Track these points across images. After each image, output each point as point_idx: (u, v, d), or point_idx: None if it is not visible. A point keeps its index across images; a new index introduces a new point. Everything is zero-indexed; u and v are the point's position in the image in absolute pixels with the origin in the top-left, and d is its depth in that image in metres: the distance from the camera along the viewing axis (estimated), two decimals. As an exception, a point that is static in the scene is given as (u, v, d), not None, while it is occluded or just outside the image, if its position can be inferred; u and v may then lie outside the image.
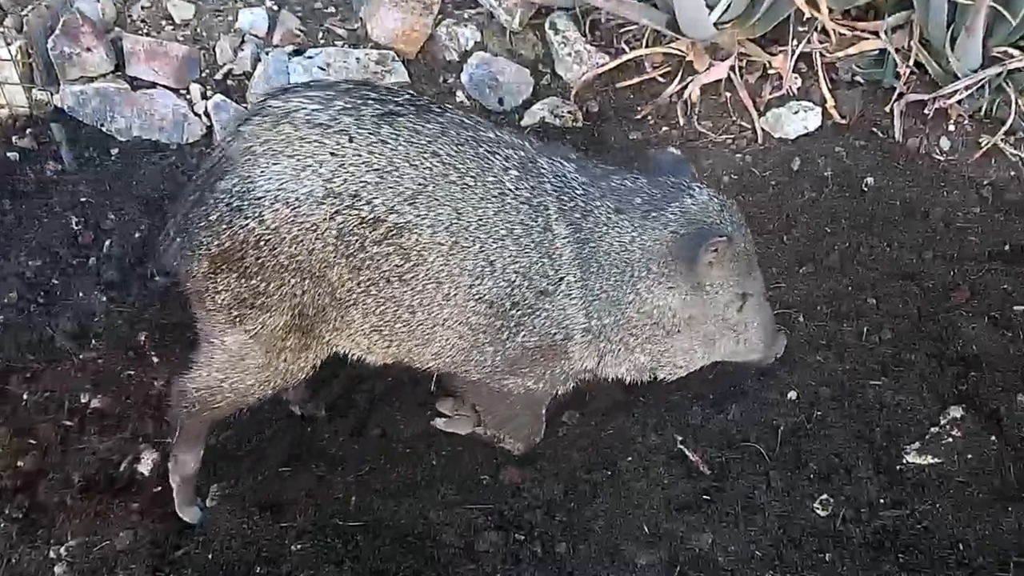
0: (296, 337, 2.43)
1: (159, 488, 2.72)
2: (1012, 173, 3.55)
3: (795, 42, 3.62)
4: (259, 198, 2.26)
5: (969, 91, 3.54)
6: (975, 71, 3.50)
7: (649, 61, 3.75)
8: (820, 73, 3.62)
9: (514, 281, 2.43)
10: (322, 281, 2.35)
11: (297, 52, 3.75)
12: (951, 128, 3.61)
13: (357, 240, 2.31)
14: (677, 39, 3.65)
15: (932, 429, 2.72)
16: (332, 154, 2.28)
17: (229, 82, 3.75)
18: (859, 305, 3.11)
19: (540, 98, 3.77)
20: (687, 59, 3.67)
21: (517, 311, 2.46)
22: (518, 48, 3.86)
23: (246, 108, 2.48)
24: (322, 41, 3.85)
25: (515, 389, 2.62)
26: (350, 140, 2.29)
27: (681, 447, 2.77)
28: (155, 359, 3.04)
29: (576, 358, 2.57)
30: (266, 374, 2.49)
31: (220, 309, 2.39)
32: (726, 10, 3.53)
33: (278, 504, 2.68)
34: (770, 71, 3.67)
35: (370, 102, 2.34)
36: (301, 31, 3.87)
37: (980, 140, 3.57)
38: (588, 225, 2.46)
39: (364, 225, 2.30)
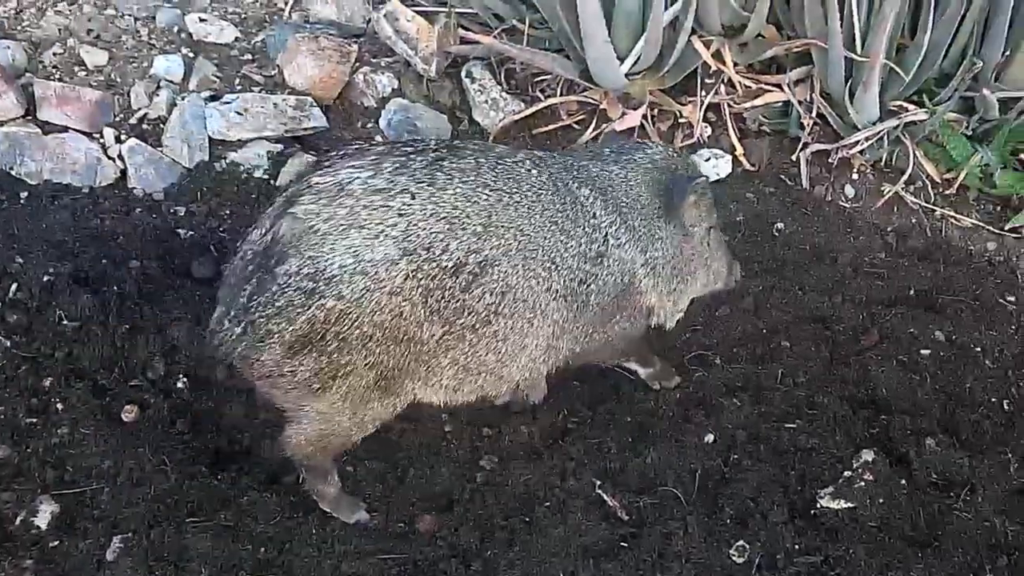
0: (379, 392, 2.39)
1: (56, 543, 2.49)
2: (914, 220, 3.56)
3: (703, 93, 3.62)
4: (333, 276, 2.19)
5: (869, 142, 3.56)
6: (874, 123, 3.52)
7: (564, 109, 3.69)
8: (729, 122, 3.62)
9: (574, 265, 2.47)
10: (410, 342, 2.31)
11: (214, 97, 3.62)
12: (855, 176, 3.61)
13: (444, 292, 2.28)
14: (590, 88, 3.61)
15: (845, 473, 2.64)
16: (400, 215, 2.24)
17: (144, 126, 3.58)
18: (774, 348, 3.06)
19: (458, 144, 3.69)
20: (601, 107, 3.62)
21: (584, 286, 2.51)
22: (435, 95, 3.78)
23: (284, 193, 2.39)
24: (239, 87, 3.72)
25: (611, 336, 2.67)
26: (412, 197, 2.26)
27: (599, 492, 2.65)
28: (59, 406, 2.80)
29: (646, 292, 2.65)
30: (361, 420, 2.45)
31: (300, 386, 2.32)
32: (636, 61, 3.51)
33: (183, 557, 2.47)
34: (681, 120, 3.64)
35: (412, 156, 2.33)
36: (218, 77, 3.73)
37: (882, 188, 3.59)
38: (600, 179, 2.57)
39: (446, 275, 2.27)
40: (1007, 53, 3.43)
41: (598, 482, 2.69)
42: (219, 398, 2.88)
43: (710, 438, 2.78)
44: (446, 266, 2.27)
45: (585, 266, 2.50)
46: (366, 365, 2.30)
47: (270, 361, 2.28)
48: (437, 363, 2.40)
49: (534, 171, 2.48)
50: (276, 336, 2.24)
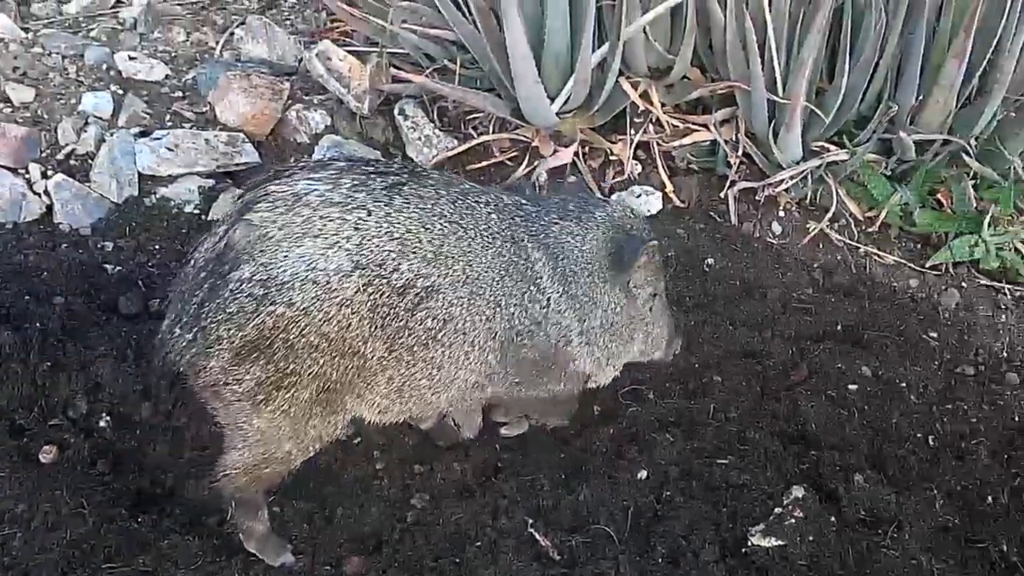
0: (321, 407, 2.32)
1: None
2: (839, 257, 3.54)
3: (633, 131, 3.60)
4: (285, 282, 2.14)
5: (794, 180, 3.55)
6: (797, 162, 3.52)
7: (497, 146, 3.64)
8: (658, 160, 3.59)
9: (515, 314, 2.43)
10: (354, 355, 2.26)
11: (144, 133, 3.52)
12: (781, 214, 3.59)
13: (390, 310, 2.24)
14: (522, 126, 3.57)
15: (776, 510, 2.56)
16: (355, 229, 2.20)
17: (72, 162, 3.46)
18: (706, 383, 3.00)
19: (393, 180, 3.61)
20: (533, 144, 3.57)
21: (520, 338, 2.46)
22: (368, 132, 3.70)
23: (246, 192, 2.31)
24: (169, 123, 3.61)
25: (544, 394, 2.63)
26: (369, 214, 2.22)
27: (531, 531, 2.53)
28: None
29: (581, 359, 2.58)
30: (300, 441, 2.36)
31: (243, 397, 2.25)
32: (566, 101, 3.48)
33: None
34: (612, 157, 3.60)
35: (373, 176, 2.29)
36: (148, 113, 3.62)
37: (808, 226, 3.56)
38: (552, 241, 2.50)
39: (394, 293, 2.24)
40: (920, 98, 3.45)
41: (530, 521, 2.57)
42: (143, 436, 2.74)
43: (643, 474, 2.69)
44: (395, 285, 2.23)
45: (525, 320, 2.46)
46: (310, 375, 2.24)
47: (217, 368, 2.21)
48: (375, 380, 2.34)
49: (494, 216, 2.43)
50: (225, 342, 2.17)
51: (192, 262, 2.30)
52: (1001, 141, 3.50)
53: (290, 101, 3.69)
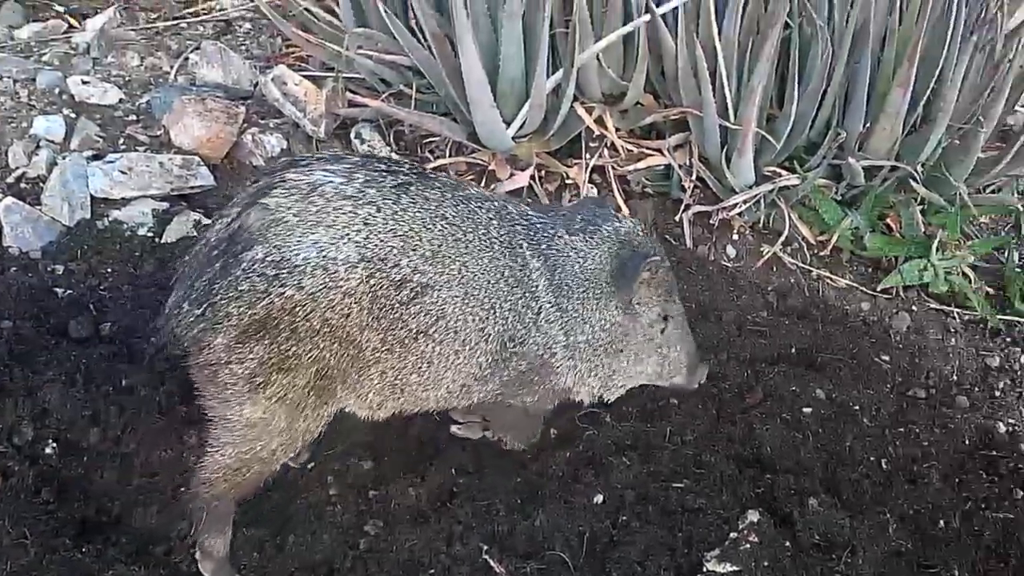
0: (315, 395, 2.34)
1: None
2: (792, 280, 3.54)
3: (588, 156, 3.57)
4: (296, 266, 2.19)
5: (747, 205, 3.54)
6: (750, 187, 3.52)
7: (453, 169, 3.59)
8: (614, 184, 3.57)
9: (509, 319, 2.46)
10: (351, 344, 2.30)
11: (97, 156, 3.43)
12: (735, 237, 3.58)
13: (388, 302, 2.29)
14: (479, 150, 3.53)
15: (731, 535, 2.52)
16: (365, 223, 2.25)
17: (23, 185, 3.36)
18: (662, 406, 2.96)
19: (349, 201, 3.57)
20: (489, 168, 3.54)
21: (512, 344, 2.49)
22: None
23: (263, 175, 2.37)
24: (123, 147, 3.52)
25: (519, 405, 2.64)
26: (378, 211, 2.28)
27: (486, 558, 2.48)
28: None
29: (562, 374, 2.58)
30: (289, 436, 2.38)
31: (241, 378, 2.26)
32: (522, 125, 3.45)
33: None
34: (568, 181, 3.57)
35: (385, 173, 2.36)
36: (101, 137, 3.53)
37: (761, 249, 3.55)
38: (553, 252, 2.52)
39: (392, 287, 2.28)
40: (868, 125, 3.47)
41: (485, 547, 2.51)
42: (91, 463, 2.65)
43: (599, 499, 2.64)
44: (394, 279, 2.29)
45: (518, 326, 2.48)
46: (310, 359, 2.27)
47: (222, 345, 2.23)
48: (368, 372, 2.38)
49: (495, 222, 2.46)
50: (234, 319, 2.20)
51: (203, 241, 2.34)
52: (947, 168, 3.52)
53: (246, 125, 3.62)
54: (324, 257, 2.21)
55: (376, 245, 2.26)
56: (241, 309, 2.19)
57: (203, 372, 2.30)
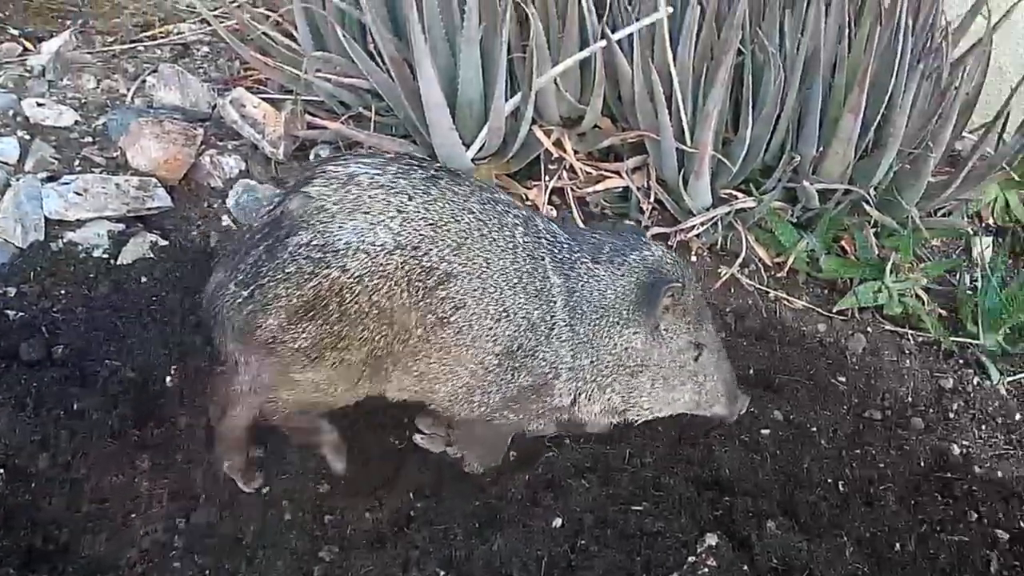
0: (369, 370, 2.45)
1: None
2: (750, 301, 3.53)
3: (547, 178, 3.56)
4: (339, 250, 2.29)
5: (704, 226, 3.54)
6: (707, 209, 3.53)
7: (413, 192, 3.59)
8: (573, 206, 3.55)
9: (521, 326, 2.48)
10: (394, 324, 2.38)
11: (52, 178, 3.35)
12: (693, 258, 3.57)
13: (419, 287, 2.37)
14: (438, 172, 3.53)
15: (690, 558, 2.49)
16: (398, 211, 2.35)
17: (-25, 206, 3.28)
18: (622, 429, 2.90)
19: (311, 222, 3.53)
20: (449, 190, 3.53)
21: (521, 353, 2.50)
22: (284, 176, 3.59)
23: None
24: (79, 168, 3.45)
25: (502, 421, 2.63)
26: (409, 199, 2.37)
27: (443, 583, 2.43)
28: None
29: (557, 395, 2.59)
30: (354, 391, 2.51)
31: (297, 353, 2.38)
32: (481, 148, 3.44)
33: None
34: (527, 202, 3.55)
35: (415, 167, 2.45)
36: (56, 159, 3.46)
37: (719, 270, 3.54)
38: (574, 275, 2.54)
39: (424, 273, 2.36)
40: (821, 149, 3.50)
41: (442, 572, 2.48)
42: (39, 489, 2.57)
43: (558, 522, 2.61)
44: (425, 265, 2.37)
45: (530, 335, 2.50)
46: (360, 340, 2.38)
47: (275, 324, 2.34)
48: (415, 356, 2.46)
49: (520, 228, 2.51)
50: (283, 300, 2.32)
51: (247, 228, 2.48)
52: (899, 191, 3.56)
53: (204, 146, 3.57)
54: (363, 241, 2.31)
55: (409, 233, 2.35)
56: (290, 290, 2.31)
57: (259, 350, 2.40)
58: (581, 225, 2.84)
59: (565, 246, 2.57)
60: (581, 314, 2.53)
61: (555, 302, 2.51)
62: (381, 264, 2.33)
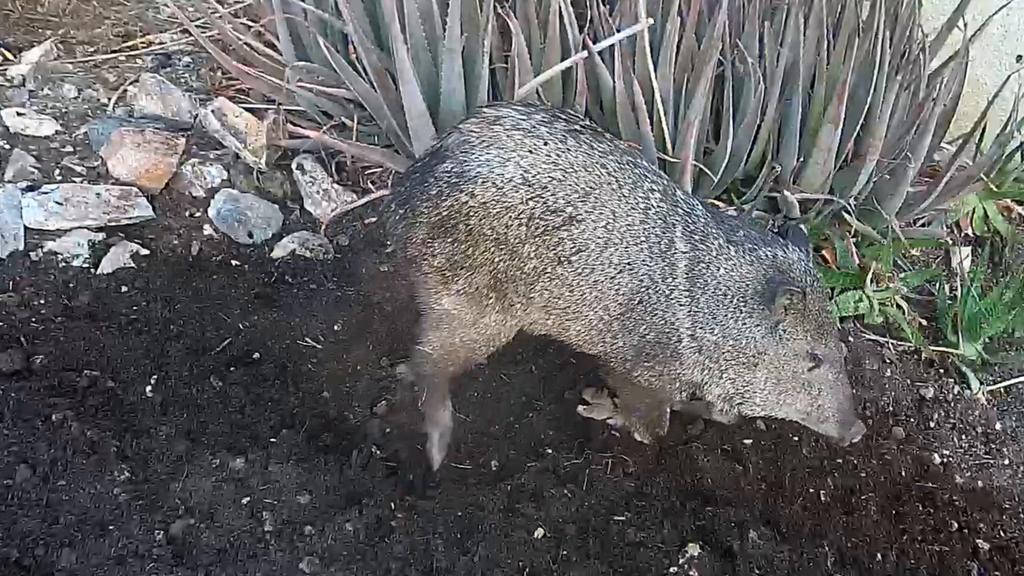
0: (495, 297, 2.65)
1: None
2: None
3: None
4: (472, 178, 2.53)
5: (687, 236, 3.57)
6: (691, 219, 3.54)
7: (395, 201, 3.58)
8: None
9: (643, 281, 2.60)
10: (514, 254, 2.58)
11: (31, 188, 3.34)
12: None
13: (542, 224, 2.55)
14: (420, 182, 3.52)
15: (672, 569, 2.49)
16: (530, 152, 2.54)
17: (-46, 215, 3.24)
18: (606, 437, 2.93)
19: (290, 232, 3.52)
20: (431, 200, 3.53)
21: (641, 307, 2.62)
22: (266, 186, 3.60)
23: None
24: (59, 177, 3.45)
25: (642, 382, 2.72)
26: (544, 144, 2.55)
27: (423, 593, 2.42)
28: None
29: (687, 364, 2.66)
30: (483, 330, 2.71)
31: (435, 271, 2.63)
32: (465, 157, 3.44)
33: None
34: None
35: (560, 119, 2.62)
36: (36, 168, 3.45)
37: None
38: (703, 247, 2.61)
39: (548, 212, 2.55)
40: (801, 159, 3.51)
41: (423, 585, 2.45)
42: (16, 502, 2.52)
43: (540, 532, 2.60)
44: (550, 205, 2.54)
45: (652, 292, 2.61)
46: (484, 262, 2.59)
47: (418, 239, 2.62)
48: (529, 286, 2.63)
49: (657, 193, 2.61)
50: (424, 217, 2.59)
51: (413, 161, 2.81)
52: (878, 201, 3.57)
53: (186, 156, 3.57)
54: (492, 172, 2.53)
55: (539, 172, 2.53)
56: (429, 209, 2.57)
57: (411, 265, 2.69)
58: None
59: (701, 220, 2.63)
60: (704, 285, 2.60)
61: (677, 266, 2.60)
62: (506, 195, 2.52)
